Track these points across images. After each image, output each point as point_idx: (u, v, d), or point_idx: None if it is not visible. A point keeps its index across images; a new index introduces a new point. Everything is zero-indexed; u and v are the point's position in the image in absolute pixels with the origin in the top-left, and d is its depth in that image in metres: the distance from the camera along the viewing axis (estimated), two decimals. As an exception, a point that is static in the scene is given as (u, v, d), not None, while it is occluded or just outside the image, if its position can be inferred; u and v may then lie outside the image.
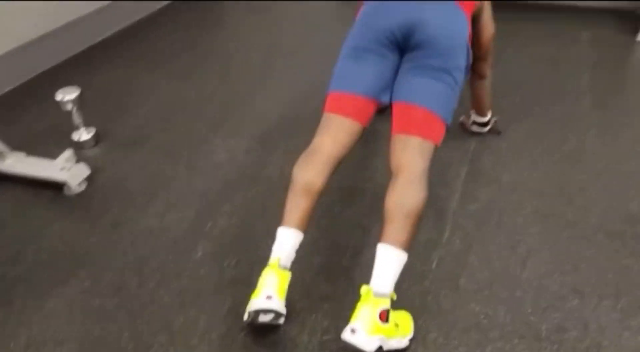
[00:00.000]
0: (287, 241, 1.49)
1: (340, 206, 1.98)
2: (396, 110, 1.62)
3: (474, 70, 2.01)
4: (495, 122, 2.30)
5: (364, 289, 1.37)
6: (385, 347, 1.35)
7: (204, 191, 2.12)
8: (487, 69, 2.04)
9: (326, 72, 2.92)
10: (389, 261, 1.40)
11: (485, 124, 2.28)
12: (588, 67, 2.82)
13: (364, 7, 1.72)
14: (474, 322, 1.54)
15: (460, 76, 1.63)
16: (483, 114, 2.25)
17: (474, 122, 2.29)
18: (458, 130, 2.32)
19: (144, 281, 1.73)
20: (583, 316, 1.54)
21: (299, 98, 2.70)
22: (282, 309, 1.41)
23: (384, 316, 1.34)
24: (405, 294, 1.54)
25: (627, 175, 2.06)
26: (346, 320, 1.35)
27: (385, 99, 1.64)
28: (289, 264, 1.47)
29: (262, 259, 1.69)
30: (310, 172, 1.55)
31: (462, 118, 2.33)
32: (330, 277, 1.70)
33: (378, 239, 1.44)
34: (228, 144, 2.39)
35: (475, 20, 1.80)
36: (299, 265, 1.51)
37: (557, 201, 1.96)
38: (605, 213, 1.89)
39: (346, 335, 1.31)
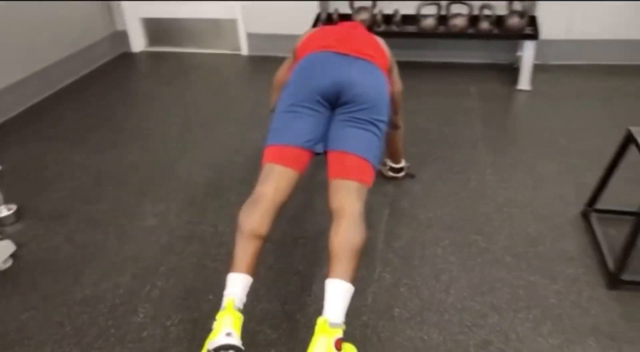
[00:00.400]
0: (238, 285, 1.57)
1: (273, 256, 2.08)
2: (332, 157, 1.81)
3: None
4: (409, 167, 2.54)
5: (319, 320, 1.47)
6: None
7: (137, 256, 2.14)
8: (399, 121, 2.29)
9: (243, 135, 3.11)
10: (339, 293, 1.52)
11: (400, 170, 2.51)
12: (479, 115, 3.20)
13: (297, 67, 1.92)
14: (411, 347, 1.67)
15: (384, 127, 1.86)
16: (398, 161, 2.49)
17: (391, 168, 2.51)
18: (377, 177, 2.51)
19: (85, 350, 1.71)
20: (503, 329, 1.72)
21: (220, 160, 2.81)
22: (242, 347, 1.46)
23: (339, 345, 1.44)
24: (347, 329, 1.64)
25: (523, 205, 2.35)
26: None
27: (319, 149, 1.83)
28: (241, 306, 1.55)
29: (204, 315, 1.75)
30: (256, 218, 1.67)
31: (378, 166, 2.55)
32: (273, 324, 1.77)
33: (323, 277, 1.55)
34: (157, 209, 2.43)
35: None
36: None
37: (469, 232, 2.18)
38: (509, 238, 2.14)
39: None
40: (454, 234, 2.18)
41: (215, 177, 2.66)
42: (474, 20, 3.47)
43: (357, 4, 3.59)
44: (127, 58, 4.45)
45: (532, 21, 3.50)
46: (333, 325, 1.46)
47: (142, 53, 4.56)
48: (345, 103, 1.80)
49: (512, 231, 2.18)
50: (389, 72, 2.05)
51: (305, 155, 1.81)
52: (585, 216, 2.23)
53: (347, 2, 3.61)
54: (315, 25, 3.68)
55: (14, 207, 2.40)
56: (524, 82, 3.50)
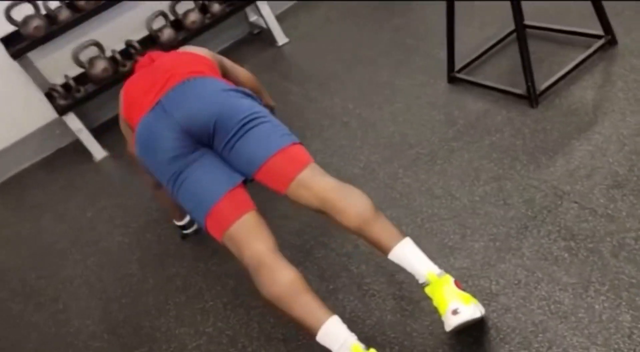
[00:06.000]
0: (338, 330, 1.37)
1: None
2: (265, 172, 1.58)
3: None
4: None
5: (429, 276, 1.39)
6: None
7: None
8: (269, 101, 2.24)
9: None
10: (413, 252, 1.44)
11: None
12: (287, 79, 3.18)
13: (138, 141, 1.67)
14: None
15: (261, 111, 1.66)
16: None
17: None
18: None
19: None
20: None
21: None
22: None
23: (459, 285, 1.42)
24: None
25: (408, 105, 2.47)
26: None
27: (239, 179, 1.61)
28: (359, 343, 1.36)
29: None
30: (281, 275, 1.45)
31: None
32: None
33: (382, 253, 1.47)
34: None
35: (225, 73, 1.94)
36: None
37: (407, 150, 2.21)
38: (434, 134, 2.24)
39: (452, 321, 1.34)
40: (387, 162, 2.18)
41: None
42: (204, 9, 3.36)
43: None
44: None
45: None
46: (440, 274, 1.41)
47: None
48: (217, 133, 1.60)
49: (433, 128, 2.26)
50: (220, 68, 1.90)
51: (242, 193, 1.61)
52: (453, 80, 2.45)
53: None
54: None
55: None
56: (280, 37, 3.57)
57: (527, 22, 2.50)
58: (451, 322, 1.34)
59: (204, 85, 1.65)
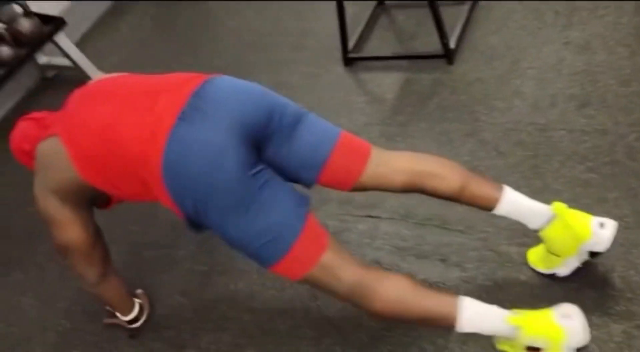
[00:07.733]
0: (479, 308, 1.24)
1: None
2: (332, 165, 1.31)
3: None
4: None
5: (556, 208, 1.35)
6: None
7: None
8: None
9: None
10: (521, 196, 1.37)
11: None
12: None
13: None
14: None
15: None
16: None
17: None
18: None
19: None
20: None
21: None
22: None
23: None
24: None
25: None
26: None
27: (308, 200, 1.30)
28: None
29: None
30: (392, 279, 1.29)
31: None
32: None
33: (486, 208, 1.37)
34: None
35: None
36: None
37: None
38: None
39: (605, 234, 1.29)
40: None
41: None
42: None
43: None
44: None
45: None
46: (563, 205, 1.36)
47: None
48: (273, 130, 1.28)
49: (364, 110, 2.12)
50: None
51: (313, 216, 1.29)
52: (349, 62, 2.34)
53: None
54: None
55: None
56: (93, 72, 2.90)
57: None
58: (605, 236, 1.28)
59: (234, 82, 1.30)
